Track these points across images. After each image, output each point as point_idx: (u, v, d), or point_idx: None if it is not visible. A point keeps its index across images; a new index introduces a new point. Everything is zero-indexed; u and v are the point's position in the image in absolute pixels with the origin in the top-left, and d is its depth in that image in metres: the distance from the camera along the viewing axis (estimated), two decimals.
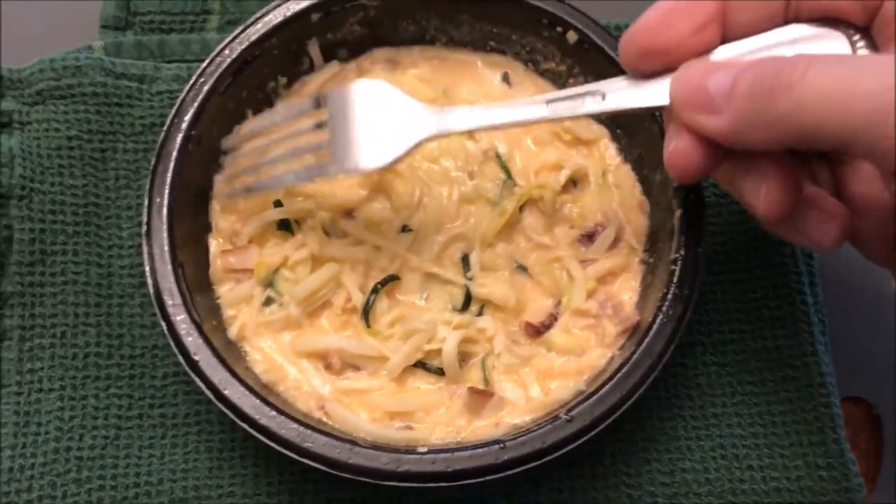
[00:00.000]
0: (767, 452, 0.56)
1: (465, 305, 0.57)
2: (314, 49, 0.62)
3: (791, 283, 0.60)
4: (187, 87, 0.57)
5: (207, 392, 0.50)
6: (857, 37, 0.45)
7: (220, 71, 0.57)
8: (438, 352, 0.55)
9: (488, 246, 0.59)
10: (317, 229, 0.57)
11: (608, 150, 0.62)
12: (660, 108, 0.49)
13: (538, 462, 0.49)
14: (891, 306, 0.64)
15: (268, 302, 0.56)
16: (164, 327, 0.52)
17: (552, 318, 0.57)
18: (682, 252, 0.54)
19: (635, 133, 0.60)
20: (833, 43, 0.46)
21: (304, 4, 0.59)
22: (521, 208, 0.60)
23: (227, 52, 0.57)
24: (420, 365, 0.55)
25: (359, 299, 0.56)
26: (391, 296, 0.57)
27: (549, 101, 0.50)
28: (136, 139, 0.62)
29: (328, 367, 0.55)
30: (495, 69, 0.64)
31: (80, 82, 0.61)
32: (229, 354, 0.53)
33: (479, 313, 0.57)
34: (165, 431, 0.56)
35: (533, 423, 0.52)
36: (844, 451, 0.56)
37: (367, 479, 0.49)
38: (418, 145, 0.51)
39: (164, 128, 0.56)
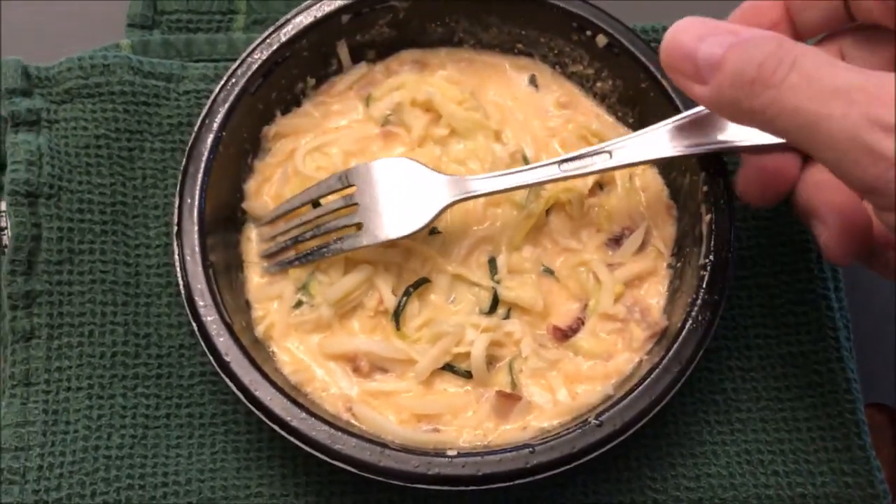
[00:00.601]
0: (793, 458, 0.56)
1: (493, 308, 0.57)
2: (343, 50, 0.62)
3: (817, 288, 0.60)
4: (218, 88, 0.57)
5: (238, 393, 0.51)
6: None
7: (250, 72, 0.57)
8: (466, 355, 0.55)
9: (515, 249, 0.58)
10: None
11: None
12: (662, 160, 0.54)
13: (567, 466, 0.50)
14: None
15: (297, 304, 0.56)
16: (195, 328, 0.52)
17: (579, 322, 0.57)
18: (712, 258, 0.53)
19: None
20: None
21: (335, 5, 0.59)
22: (547, 211, 0.59)
23: (257, 53, 0.57)
24: (448, 367, 0.55)
25: (391, 301, 0.56)
26: (422, 298, 0.57)
27: (560, 163, 0.54)
28: (164, 138, 0.62)
29: (356, 370, 0.55)
30: (523, 72, 0.64)
31: (108, 81, 0.61)
32: (258, 355, 0.53)
33: (506, 316, 0.57)
34: (193, 431, 0.56)
35: (560, 428, 0.52)
36: (870, 457, 0.56)
37: (398, 482, 0.49)
38: (441, 213, 0.55)
39: (195, 128, 0.56)
